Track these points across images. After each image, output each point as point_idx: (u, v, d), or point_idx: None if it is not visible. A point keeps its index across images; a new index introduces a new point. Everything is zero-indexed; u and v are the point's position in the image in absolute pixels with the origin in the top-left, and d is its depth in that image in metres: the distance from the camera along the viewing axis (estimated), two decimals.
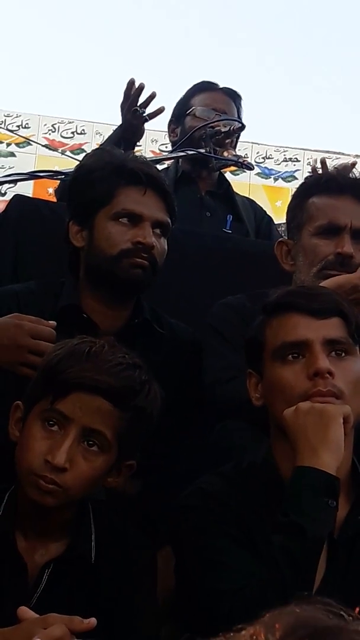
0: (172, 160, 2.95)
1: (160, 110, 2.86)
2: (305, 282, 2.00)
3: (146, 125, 2.95)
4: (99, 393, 1.45)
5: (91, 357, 1.48)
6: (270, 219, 3.06)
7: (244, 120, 2.89)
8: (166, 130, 3.15)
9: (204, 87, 3.05)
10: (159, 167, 2.66)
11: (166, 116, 3.07)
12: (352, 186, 2.07)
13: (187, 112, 2.98)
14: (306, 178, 2.34)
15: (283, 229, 2.47)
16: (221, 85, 3.08)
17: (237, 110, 3.02)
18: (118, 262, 1.93)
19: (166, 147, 3.21)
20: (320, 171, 2.54)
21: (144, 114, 2.81)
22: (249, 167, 3.17)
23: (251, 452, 1.61)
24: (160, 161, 2.88)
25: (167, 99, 3.08)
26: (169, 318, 2.13)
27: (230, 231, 2.89)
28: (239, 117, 3.01)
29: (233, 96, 3.03)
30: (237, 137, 2.88)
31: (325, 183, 2.09)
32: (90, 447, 1.45)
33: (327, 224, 2.04)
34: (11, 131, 6.10)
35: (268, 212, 3.22)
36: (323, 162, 2.65)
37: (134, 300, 2.04)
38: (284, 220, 2.26)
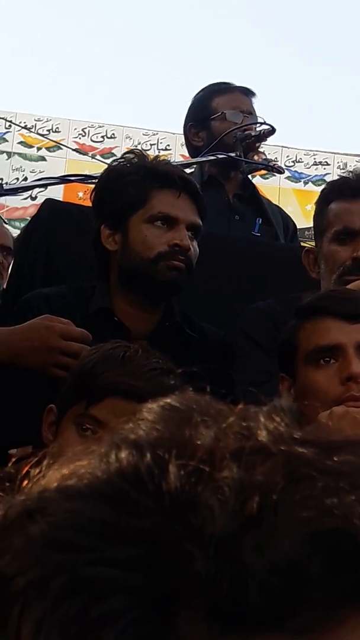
0: (197, 165, 2.94)
1: None
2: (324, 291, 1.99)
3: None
4: (134, 398, 1.45)
5: (125, 362, 1.47)
6: (294, 225, 3.04)
7: (272, 122, 2.88)
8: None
9: (222, 89, 3.02)
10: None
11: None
12: None
13: (213, 116, 2.97)
14: (326, 184, 2.33)
15: (311, 232, 2.46)
16: (235, 85, 3.06)
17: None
18: (155, 265, 1.94)
19: (194, 151, 3.20)
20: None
21: None
22: (280, 171, 3.17)
23: None
24: (190, 164, 2.88)
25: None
26: (200, 321, 2.13)
27: (259, 234, 2.88)
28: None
29: (250, 94, 3.02)
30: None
31: (340, 188, 2.09)
32: None
33: (342, 229, 2.02)
34: (42, 135, 6.13)
35: (298, 216, 3.22)
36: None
37: (165, 303, 2.05)
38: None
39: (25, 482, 0.44)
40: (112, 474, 0.40)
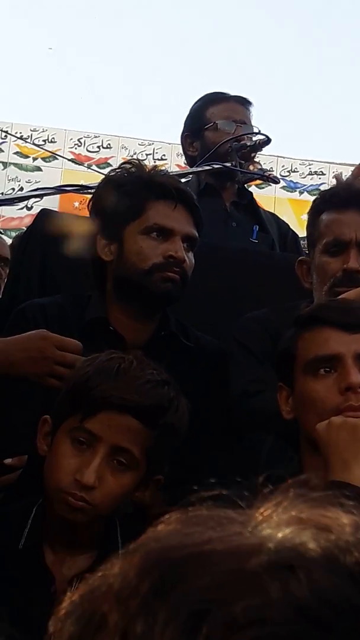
0: (194, 174, 2.95)
1: None
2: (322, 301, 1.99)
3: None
4: (128, 412, 1.45)
5: (120, 375, 1.47)
6: (295, 235, 3.05)
7: (267, 132, 2.88)
8: None
9: (217, 99, 3.02)
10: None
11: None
12: (357, 198, 2.06)
13: (207, 126, 2.97)
14: (318, 194, 2.33)
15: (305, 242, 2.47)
16: (231, 94, 3.06)
17: (250, 117, 3.02)
18: (150, 276, 1.94)
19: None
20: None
21: None
22: (275, 181, 3.17)
23: (280, 465, 1.60)
24: (186, 175, 2.88)
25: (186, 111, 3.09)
26: (196, 331, 2.12)
27: (256, 241, 2.88)
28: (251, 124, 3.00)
29: (246, 104, 3.02)
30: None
31: (330, 198, 2.09)
32: (119, 465, 1.46)
33: (333, 241, 2.02)
34: (37, 145, 6.14)
35: (294, 226, 3.21)
36: (338, 178, 2.65)
37: (161, 313, 2.04)
38: None
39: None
40: None
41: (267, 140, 2.83)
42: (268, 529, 0.42)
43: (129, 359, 1.52)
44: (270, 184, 3.78)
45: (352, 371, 1.46)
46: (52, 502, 1.46)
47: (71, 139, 6.39)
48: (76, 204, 5.04)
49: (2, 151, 6.43)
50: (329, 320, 1.52)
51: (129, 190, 1.99)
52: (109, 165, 5.80)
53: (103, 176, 2.21)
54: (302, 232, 3.12)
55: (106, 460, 1.44)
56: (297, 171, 6.46)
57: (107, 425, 1.45)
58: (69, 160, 5.77)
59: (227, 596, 0.38)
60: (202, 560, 0.40)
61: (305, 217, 2.48)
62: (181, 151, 3.22)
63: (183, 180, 2.81)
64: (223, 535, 0.41)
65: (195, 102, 3.05)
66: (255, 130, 2.89)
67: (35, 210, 3.71)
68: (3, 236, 3.53)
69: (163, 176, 2.07)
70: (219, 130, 2.93)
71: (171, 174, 2.39)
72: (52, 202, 4.51)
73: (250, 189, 3.16)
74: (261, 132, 2.90)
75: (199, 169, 2.80)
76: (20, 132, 6.25)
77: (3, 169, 6.38)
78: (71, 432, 1.47)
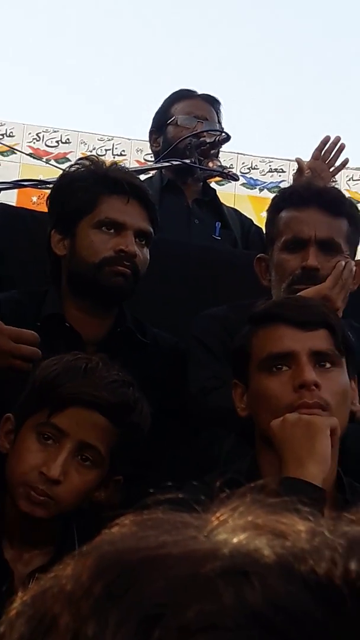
0: (157, 170, 2.95)
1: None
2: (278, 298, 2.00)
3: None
4: (96, 408, 1.48)
5: (88, 373, 1.50)
6: (259, 229, 3.06)
7: (228, 129, 2.89)
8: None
9: (183, 95, 3.05)
10: (143, 176, 2.65)
11: (149, 125, 3.07)
12: (316, 196, 2.06)
13: (169, 121, 2.98)
14: (277, 192, 2.35)
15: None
16: (199, 92, 3.08)
17: (217, 115, 3.03)
18: (100, 270, 1.93)
19: (151, 156, 3.21)
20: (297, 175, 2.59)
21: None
22: (234, 178, 3.17)
23: (235, 462, 1.61)
24: (145, 171, 2.88)
25: (152, 109, 3.09)
26: (152, 328, 2.12)
27: (219, 238, 2.89)
28: (219, 122, 3.01)
29: (212, 102, 3.03)
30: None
31: (290, 196, 2.10)
32: (84, 461, 1.48)
33: (292, 238, 2.03)
34: None
35: (254, 223, 3.22)
36: (299, 162, 2.67)
37: (117, 309, 2.04)
38: None
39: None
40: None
41: (227, 138, 2.84)
42: (223, 533, 0.41)
43: (94, 359, 1.55)
44: (230, 181, 3.79)
45: (306, 368, 1.47)
46: (13, 497, 1.47)
47: (29, 133, 6.34)
48: (34, 198, 5.00)
49: None
50: (284, 318, 1.53)
51: (82, 185, 1.98)
52: (68, 160, 5.76)
53: (61, 171, 2.20)
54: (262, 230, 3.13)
55: (72, 455, 1.46)
56: (257, 168, 6.48)
57: (75, 421, 1.47)
58: (27, 154, 5.73)
59: (181, 601, 0.37)
60: (156, 564, 0.40)
61: (264, 214, 2.48)
62: (141, 147, 3.21)
63: (146, 176, 2.81)
64: (178, 540, 0.41)
65: (165, 99, 3.06)
66: (220, 128, 2.90)
67: None
68: None
69: (118, 171, 2.06)
70: (179, 125, 2.94)
71: (130, 170, 2.38)
72: (9, 197, 4.46)
73: (209, 184, 3.16)
74: (221, 129, 2.91)
75: (158, 165, 2.80)
76: None
77: None
78: (37, 427, 1.49)
